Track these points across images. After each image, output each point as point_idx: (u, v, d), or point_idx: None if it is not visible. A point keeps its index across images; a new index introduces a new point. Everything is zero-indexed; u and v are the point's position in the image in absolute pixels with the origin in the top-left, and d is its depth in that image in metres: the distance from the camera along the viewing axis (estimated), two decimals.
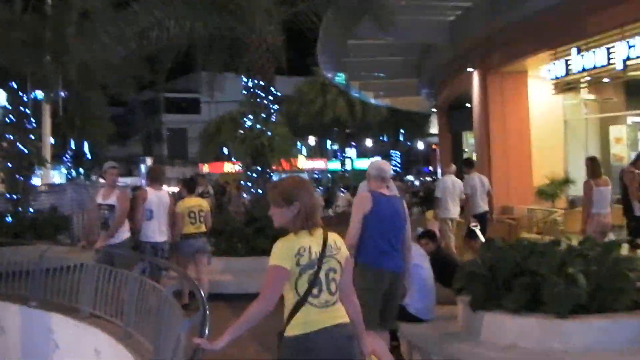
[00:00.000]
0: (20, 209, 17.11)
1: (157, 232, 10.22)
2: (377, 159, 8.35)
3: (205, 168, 50.76)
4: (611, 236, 10.51)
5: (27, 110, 17.48)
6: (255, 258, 12.14)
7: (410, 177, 54.99)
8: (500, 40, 17.71)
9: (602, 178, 10.78)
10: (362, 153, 61.32)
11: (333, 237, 4.25)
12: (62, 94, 29.03)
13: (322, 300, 4.10)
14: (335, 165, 57.32)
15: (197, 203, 11.43)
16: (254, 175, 14.04)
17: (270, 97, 14.03)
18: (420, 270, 7.63)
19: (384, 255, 6.47)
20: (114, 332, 8.59)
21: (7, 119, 17.52)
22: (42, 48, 15.84)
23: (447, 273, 8.10)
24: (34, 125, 17.70)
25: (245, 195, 14.73)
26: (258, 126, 13.84)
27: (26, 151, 17.24)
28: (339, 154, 54.39)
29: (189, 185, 11.92)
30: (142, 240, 10.20)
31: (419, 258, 7.71)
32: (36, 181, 27.48)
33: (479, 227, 12.66)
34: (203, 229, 11.28)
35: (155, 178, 10.76)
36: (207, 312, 5.14)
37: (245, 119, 14.14)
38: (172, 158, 59.13)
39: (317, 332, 4.07)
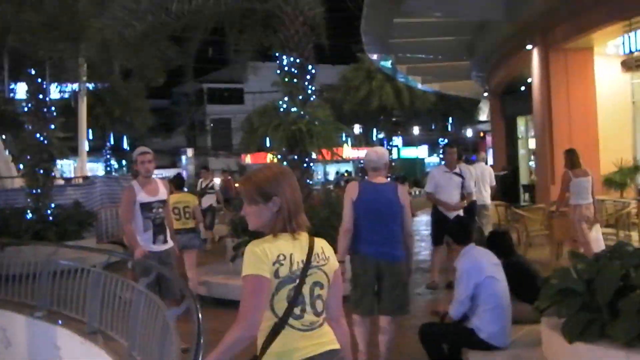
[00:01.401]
0: (40, 204, 15.89)
1: None
2: (377, 148, 7.53)
3: (248, 159, 49.60)
4: (598, 227, 11.42)
5: (47, 98, 16.20)
6: None
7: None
8: (564, 12, 15.90)
9: (581, 169, 11.09)
10: (409, 142, 59.68)
11: (320, 243, 3.48)
12: (97, 85, 28.35)
13: (307, 322, 3.33)
14: None
15: (183, 199, 11.28)
16: (290, 165, 12.46)
17: (308, 77, 12.40)
18: (494, 283, 6.02)
19: (369, 243, 6.57)
20: (119, 354, 7.36)
21: (25, 108, 16.30)
22: (57, 29, 14.42)
23: (523, 284, 6.52)
24: (54, 114, 16.34)
25: None
26: (294, 109, 12.21)
27: (46, 142, 15.96)
28: (385, 142, 52.59)
29: (176, 182, 11.79)
30: None
31: (491, 267, 6.12)
32: (71, 174, 26.75)
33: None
34: (190, 224, 11.14)
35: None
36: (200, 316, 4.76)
37: (280, 102, 12.56)
38: (216, 149, 58.41)
39: None
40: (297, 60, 12.15)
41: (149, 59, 15.38)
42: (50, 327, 9.37)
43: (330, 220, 11.31)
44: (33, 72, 15.85)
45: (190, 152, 54.28)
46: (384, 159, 6.88)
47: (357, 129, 52.42)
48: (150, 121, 41.20)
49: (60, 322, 9.22)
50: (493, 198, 15.05)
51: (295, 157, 12.32)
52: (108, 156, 41.83)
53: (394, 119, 51.49)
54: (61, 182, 22.57)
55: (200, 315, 4.82)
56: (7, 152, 21.53)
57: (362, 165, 8.70)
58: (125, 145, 45.43)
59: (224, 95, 59.99)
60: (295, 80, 12.24)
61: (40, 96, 16.10)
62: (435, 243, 11.40)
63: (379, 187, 6.73)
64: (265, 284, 3.22)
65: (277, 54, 12.52)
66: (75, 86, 20.89)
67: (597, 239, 11.34)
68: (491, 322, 5.90)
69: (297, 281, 3.29)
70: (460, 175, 11.25)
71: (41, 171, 16.04)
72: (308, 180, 12.69)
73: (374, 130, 55.31)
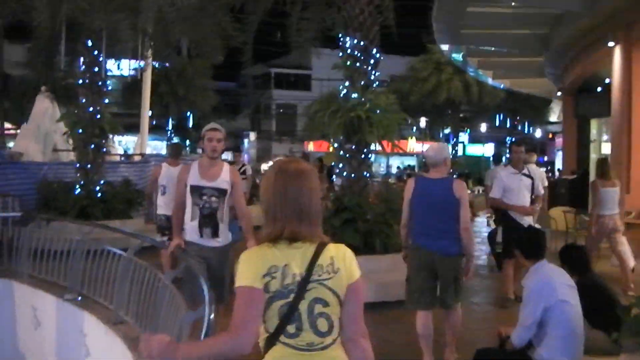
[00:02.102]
0: (89, 180, 15.46)
1: (170, 205, 8.89)
2: (436, 144, 7.48)
3: (311, 146, 49.06)
4: (624, 239, 11.05)
5: (102, 72, 15.75)
6: None
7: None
8: None
9: (610, 180, 10.94)
10: (476, 138, 58.34)
11: (331, 253, 3.03)
12: (164, 64, 28.03)
13: (302, 343, 2.95)
14: None
15: None
16: (347, 155, 11.64)
17: (372, 61, 11.53)
18: (567, 307, 5.13)
19: (423, 236, 6.79)
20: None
21: (80, 81, 15.86)
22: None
23: (598, 308, 5.62)
24: (109, 88, 15.89)
25: (335, 179, 12.26)
26: (355, 95, 11.37)
27: (99, 116, 15.51)
28: (451, 137, 51.38)
29: None
30: (157, 212, 10.30)
31: (564, 290, 5.23)
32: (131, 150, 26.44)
33: (494, 217, 12.00)
34: None
35: (174, 154, 10.91)
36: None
37: (340, 86, 11.74)
38: (280, 134, 58.06)
39: None
40: (361, 43, 11.35)
41: (207, 34, 14.70)
42: (79, 312, 8.91)
43: (386, 217, 10.58)
44: (89, 44, 15.42)
45: (252, 135, 53.90)
46: (443, 154, 6.91)
47: (422, 122, 51.33)
48: (214, 101, 41.03)
49: (86, 307, 8.74)
50: (559, 203, 14.12)
51: (353, 146, 11.54)
52: (171, 134, 41.75)
53: (461, 114, 50.21)
54: (116, 158, 22.25)
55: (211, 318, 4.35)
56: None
57: (425, 160, 8.06)
58: (189, 125, 45.28)
59: (291, 80, 59.56)
60: (357, 64, 11.43)
61: (96, 69, 15.66)
62: (508, 256, 9.66)
63: (432, 182, 6.86)
64: (257, 295, 2.91)
65: (340, 36, 11.75)
66: (140, 63, 20.50)
67: (624, 251, 11.05)
68: (560, 353, 5.02)
69: (292, 297, 2.93)
70: (529, 176, 10.10)
71: (92, 146, 15.62)
72: (366, 173, 11.87)
73: (441, 125, 54.13)
